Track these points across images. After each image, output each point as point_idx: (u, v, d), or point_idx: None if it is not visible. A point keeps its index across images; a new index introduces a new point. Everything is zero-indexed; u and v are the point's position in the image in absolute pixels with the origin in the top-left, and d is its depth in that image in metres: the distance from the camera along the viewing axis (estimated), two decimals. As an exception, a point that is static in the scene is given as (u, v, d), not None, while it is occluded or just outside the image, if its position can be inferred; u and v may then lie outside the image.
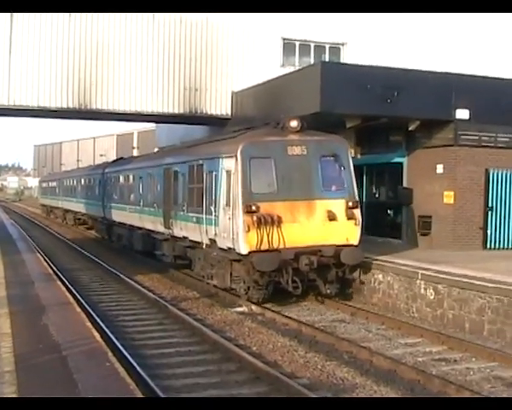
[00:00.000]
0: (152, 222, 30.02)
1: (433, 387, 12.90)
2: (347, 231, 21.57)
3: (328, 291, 21.64)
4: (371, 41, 32.59)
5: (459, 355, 15.39)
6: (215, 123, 33.21)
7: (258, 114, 27.10)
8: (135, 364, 13.59)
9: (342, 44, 33.59)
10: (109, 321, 18.33)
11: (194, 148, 26.43)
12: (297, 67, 31.07)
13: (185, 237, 25.77)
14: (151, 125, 54.89)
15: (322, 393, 12.27)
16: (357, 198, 22.01)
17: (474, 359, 15.15)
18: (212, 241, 22.65)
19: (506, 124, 25.87)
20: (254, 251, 20.57)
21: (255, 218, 20.50)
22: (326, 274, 21.44)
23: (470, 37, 33.22)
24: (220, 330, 17.74)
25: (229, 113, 32.08)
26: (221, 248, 22.18)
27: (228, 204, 21.38)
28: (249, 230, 20.54)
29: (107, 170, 40.86)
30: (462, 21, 31.80)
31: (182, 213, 25.68)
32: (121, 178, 37.18)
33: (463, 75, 25.87)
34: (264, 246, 20.62)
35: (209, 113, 32.24)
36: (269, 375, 13.16)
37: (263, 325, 18.26)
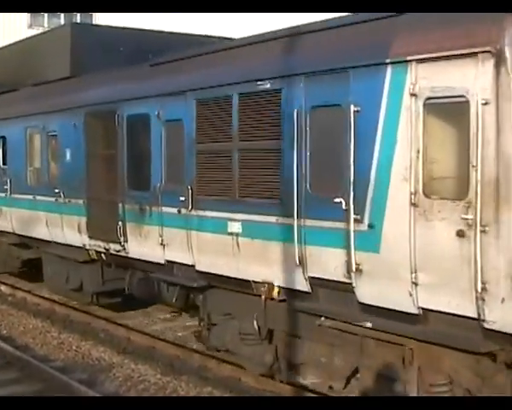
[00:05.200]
0: (48, 223, 15.58)
1: (193, 362, 12.36)
2: None
3: None
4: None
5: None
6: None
7: (6, 79, 21.24)
8: None
9: (95, 5, 32.60)
10: None
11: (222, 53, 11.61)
12: (46, 29, 30.08)
13: (172, 262, 12.12)
14: None
15: (77, 374, 11.55)
16: None
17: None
18: (341, 285, 9.23)
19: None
20: None
21: None
22: None
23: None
24: (-33, 314, 16.04)
25: (-26, 77, 28.82)
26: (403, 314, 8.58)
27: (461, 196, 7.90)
28: None
29: None
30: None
31: (173, 211, 11.77)
32: None
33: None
34: None
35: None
36: (20, 360, 12.22)
37: (13, 307, 16.79)
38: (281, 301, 10.23)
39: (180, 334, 14.49)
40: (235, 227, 10.56)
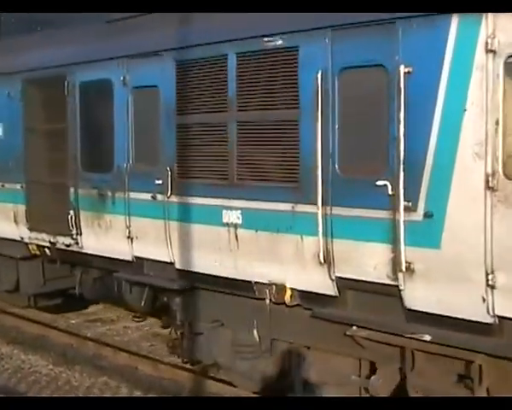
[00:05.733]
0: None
1: (87, 350, 11.95)
2: None
3: None
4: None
5: (116, 315, 14.00)
6: None
7: None
8: None
9: None
10: None
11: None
12: None
13: (142, 259, 10.06)
14: None
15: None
16: None
17: (130, 317, 13.61)
18: (383, 288, 7.44)
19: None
20: None
21: None
22: None
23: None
24: None
25: None
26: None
27: None
28: None
29: None
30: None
31: (146, 197, 9.75)
32: None
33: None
34: None
35: None
36: None
37: None
38: (293, 306, 8.34)
39: (73, 321, 14.05)
40: (232, 217, 8.65)
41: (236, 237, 8.64)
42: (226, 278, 8.91)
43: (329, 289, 7.85)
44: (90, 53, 10.46)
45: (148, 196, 9.66)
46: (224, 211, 8.75)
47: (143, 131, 9.77)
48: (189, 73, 9.08)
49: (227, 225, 8.72)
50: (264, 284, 8.52)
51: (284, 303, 8.39)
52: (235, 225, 8.63)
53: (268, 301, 8.58)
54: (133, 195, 9.91)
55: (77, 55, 10.66)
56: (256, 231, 8.43)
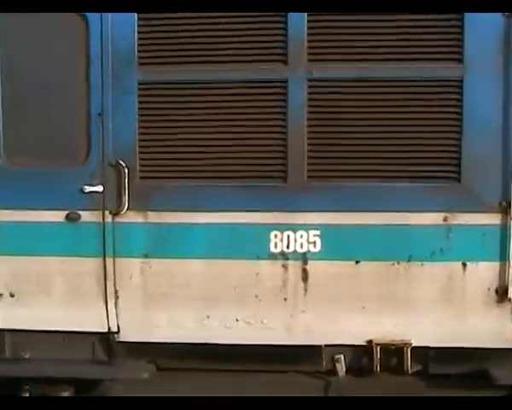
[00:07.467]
0: None
1: None
2: None
3: None
4: None
5: None
6: None
7: None
8: None
9: None
10: None
11: None
12: None
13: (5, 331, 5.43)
14: None
15: None
16: None
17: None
18: None
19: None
20: None
21: None
22: None
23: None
24: None
25: None
26: None
27: None
28: None
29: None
30: None
31: (45, 217, 5.18)
32: None
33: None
34: None
35: None
36: None
37: None
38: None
39: None
40: (296, 243, 5.14)
41: (305, 275, 5.14)
42: (252, 346, 5.27)
43: (512, 340, 5.13)
44: None
45: (56, 217, 5.20)
46: (275, 233, 5.13)
47: (36, 97, 5.21)
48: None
49: (282, 256, 5.11)
50: (345, 346, 5.25)
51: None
52: (304, 257, 5.11)
53: (343, 373, 5.33)
54: (8, 215, 5.25)
55: None
56: (356, 262, 5.07)
